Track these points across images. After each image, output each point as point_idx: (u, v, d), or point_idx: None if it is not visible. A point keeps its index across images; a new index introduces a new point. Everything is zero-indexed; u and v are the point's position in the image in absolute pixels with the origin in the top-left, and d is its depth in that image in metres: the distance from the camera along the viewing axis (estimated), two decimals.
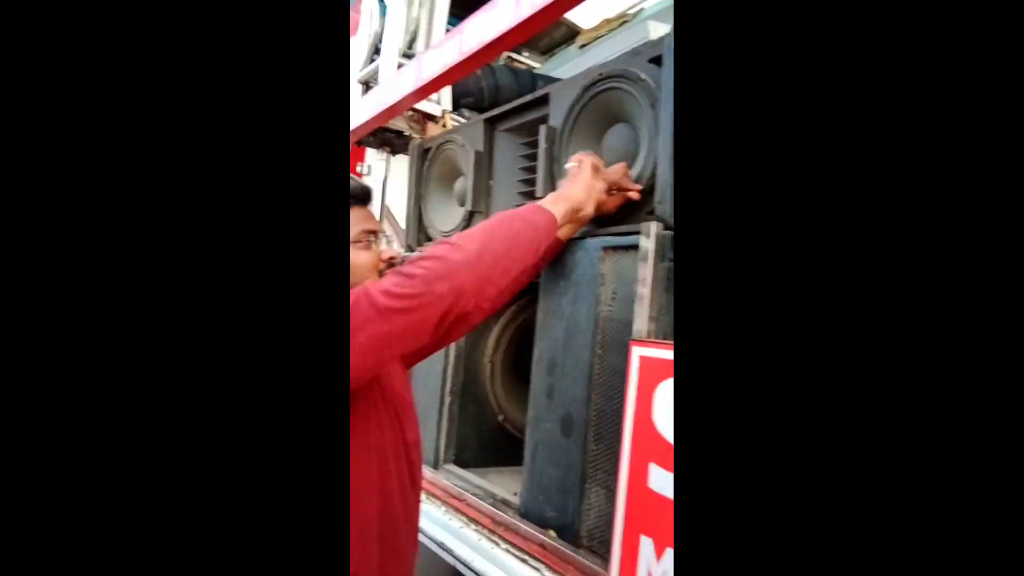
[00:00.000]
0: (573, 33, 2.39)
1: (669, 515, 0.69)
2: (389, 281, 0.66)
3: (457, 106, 1.68)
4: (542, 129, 1.08)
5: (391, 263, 0.79)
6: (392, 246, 0.88)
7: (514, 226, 0.76)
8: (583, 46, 2.04)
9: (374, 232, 0.78)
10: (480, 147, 1.27)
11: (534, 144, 1.19)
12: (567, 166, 0.93)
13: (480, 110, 1.71)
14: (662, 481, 0.71)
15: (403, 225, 1.54)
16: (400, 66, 1.52)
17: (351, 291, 0.65)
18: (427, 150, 1.48)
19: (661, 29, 1.71)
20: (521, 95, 1.77)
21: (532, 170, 1.18)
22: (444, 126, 1.62)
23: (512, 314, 1.37)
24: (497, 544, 0.95)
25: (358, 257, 0.77)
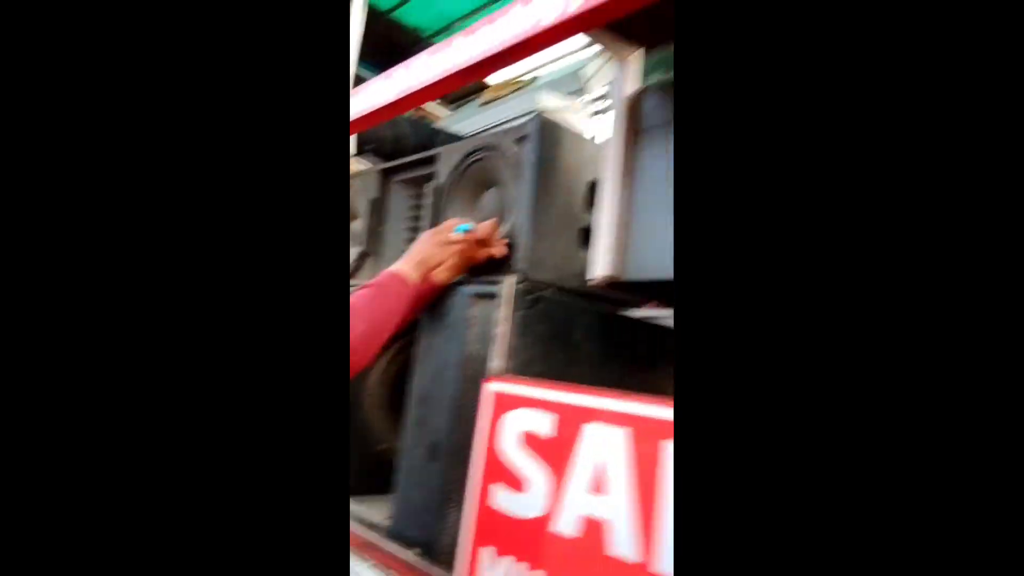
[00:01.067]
0: (481, 87, 2.57)
1: (509, 528, 0.81)
2: None
3: (360, 151, 1.78)
4: (429, 187, 1.21)
5: None
6: None
7: (376, 301, 0.93)
8: (485, 103, 2.22)
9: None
10: (375, 195, 1.38)
11: (421, 196, 1.32)
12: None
13: (382, 156, 1.83)
14: (503, 500, 0.82)
15: None
16: None
17: None
18: None
19: (550, 100, 1.92)
20: (419, 147, 1.92)
21: (419, 218, 1.31)
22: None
23: (395, 351, 1.47)
24: (364, 560, 1.03)
25: None
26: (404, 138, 1.86)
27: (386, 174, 1.40)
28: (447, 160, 1.21)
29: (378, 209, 1.38)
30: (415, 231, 1.30)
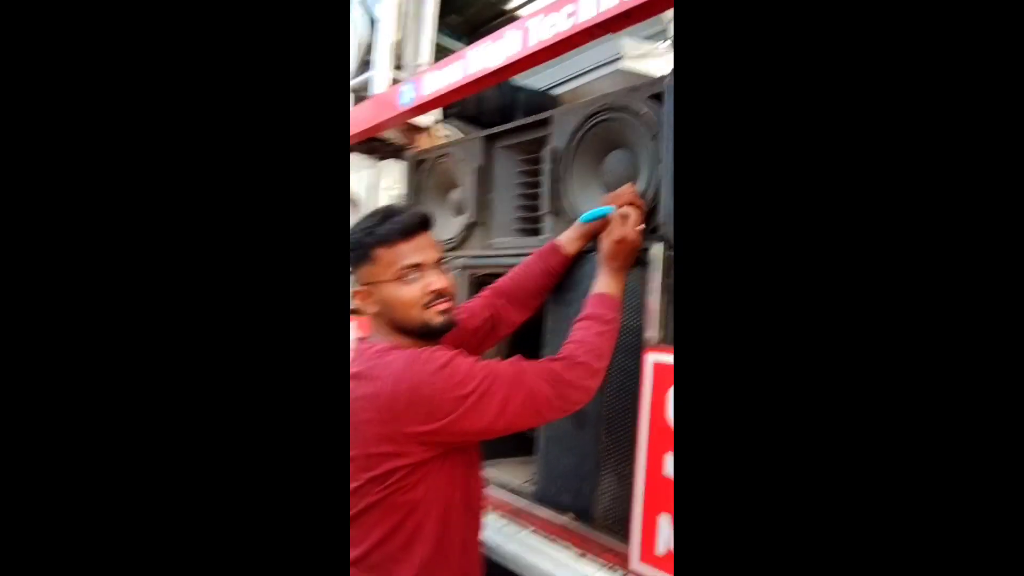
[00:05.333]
0: None
1: None
2: (566, 365, 0.82)
3: (446, 116, 1.75)
4: (547, 151, 1.18)
5: (440, 295, 0.84)
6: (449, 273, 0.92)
7: (603, 330, 0.87)
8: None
9: (417, 266, 0.83)
10: (480, 162, 1.36)
11: (534, 161, 1.29)
12: (611, 211, 0.98)
13: (467, 119, 1.79)
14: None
15: None
16: (395, 80, 1.58)
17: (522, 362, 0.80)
18: (421, 162, 1.55)
19: (631, 47, 1.83)
20: (503, 106, 1.88)
21: (532, 185, 1.29)
22: (431, 136, 1.70)
23: None
24: (522, 527, 1.07)
25: (399, 293, 0.82)
26: (488, 98, 1.82)
27: (490, 140, 1.37)
28: (563, 123, 1.17)
29: (484, 177, 1.36)
30: (532, 198, 1.28)
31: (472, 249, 1.38)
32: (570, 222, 1.14)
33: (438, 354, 0.78)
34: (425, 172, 1.52)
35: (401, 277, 0.83)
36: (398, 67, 1.65)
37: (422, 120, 1.64)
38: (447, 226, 1.46)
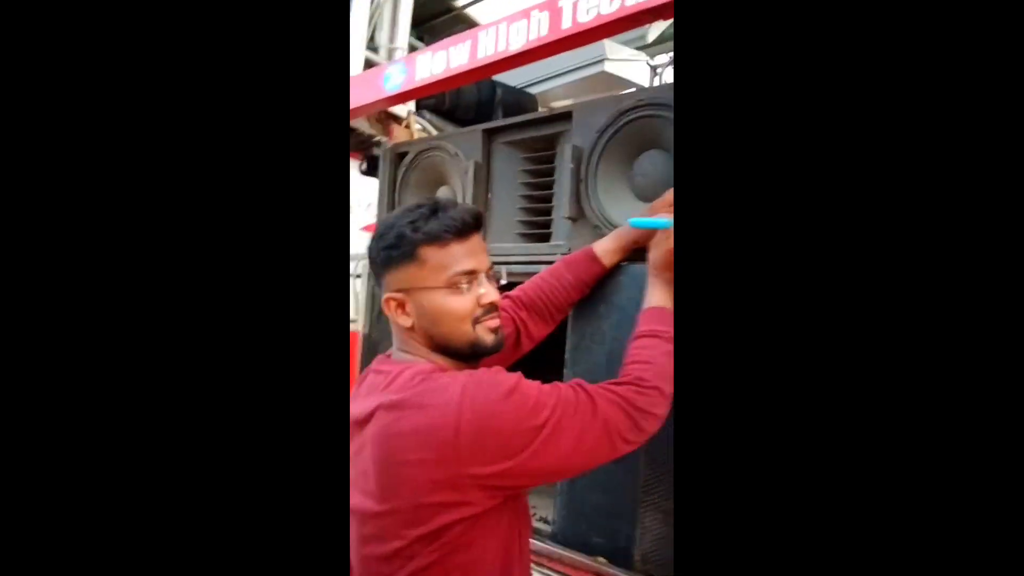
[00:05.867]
0: None
1: None
2: (637, 390, 0.69)
3: (419, 108, 1.59)
4: (566, 148, 1.06)
5: (491, 308, 0.71)
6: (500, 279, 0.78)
7: (669, 350, 0.74)
8: None
9: (471, 273, 0.69)
10: (479, 158, 1.22)
11: (542, 160, 1.17)
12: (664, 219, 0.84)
13: (441, 113, 1.64)
14: None
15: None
16: (369, 63, 1.40)
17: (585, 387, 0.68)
18: (401, 155, 1.39)
19: (617, 51, 1.77)
20: (480, 103, 1.75)
21: (540, 187, 1.16)
22: (408, 127, 1.53)
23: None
24: (548, 574, 0.93)
25: (448, 303, 0.68)
26: (465, 92, 1.68)
27: (490, 135, 1.23)
28: (585, 119, 1.06)
29: (483, 175, 1.22)
30: (539, 201, 1.16)
31: None
32: (593, 228, 1.04)
33: (501, 376, 0.64)
34: (406, 167, 1.35)
35: (453, 284, 0.68)
36: (372, 48, 1.48)
37: (400, 109, 1.48)
38: None
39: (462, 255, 0.69)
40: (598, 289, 0.98)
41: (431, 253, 0.68)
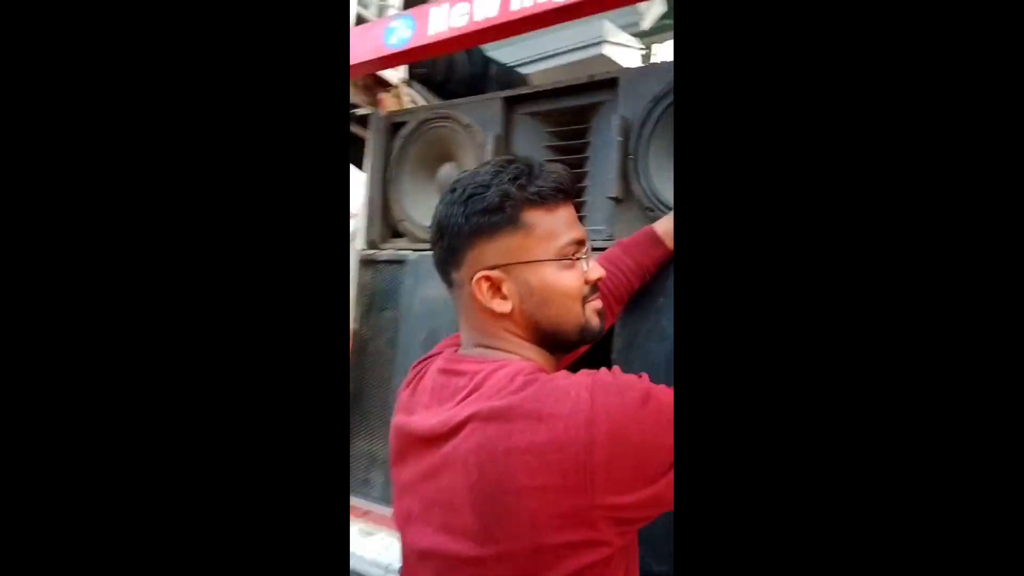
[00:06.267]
0: None
1: None
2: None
3: (411, 77, 1.42)
4: (614, 119, 0.93)
5: (595, 287, 0.58)
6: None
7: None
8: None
9: (581, 243, 0.56)
10: (498, 131, 1.07)
11: (574, 135, 1.04)
12: None
13: (432, 85, 1.48)
14: None
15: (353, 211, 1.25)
16: (360, 20, 1.22)
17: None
18: (398, 125, 1.21)
19: (613, 33, 1.67)
20: (472, 76, 1.59)
21: (571, 164, 1.03)
22: (398, 96, 1.35)
23: None
24: None
25: (560, 279, 0.55)
26: (457, 63, 1.52)
27: (510, 104, 1.08)
28: (633, 89, 0.94)
29: (502, 150, 1.07)
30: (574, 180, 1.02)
31: None
32: (644, 210, 0.92)
33: (626, 377, 0.50)
34: (403, 139, 1.18)
35: (566, 256, 0.54)
36: (362, 4, 1.29)
37: (392, 74, 1.30)
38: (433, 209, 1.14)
39: (571, 221, 0.55)
40: (656, 279, 0.86)
41: (539, 218, 0.54)
